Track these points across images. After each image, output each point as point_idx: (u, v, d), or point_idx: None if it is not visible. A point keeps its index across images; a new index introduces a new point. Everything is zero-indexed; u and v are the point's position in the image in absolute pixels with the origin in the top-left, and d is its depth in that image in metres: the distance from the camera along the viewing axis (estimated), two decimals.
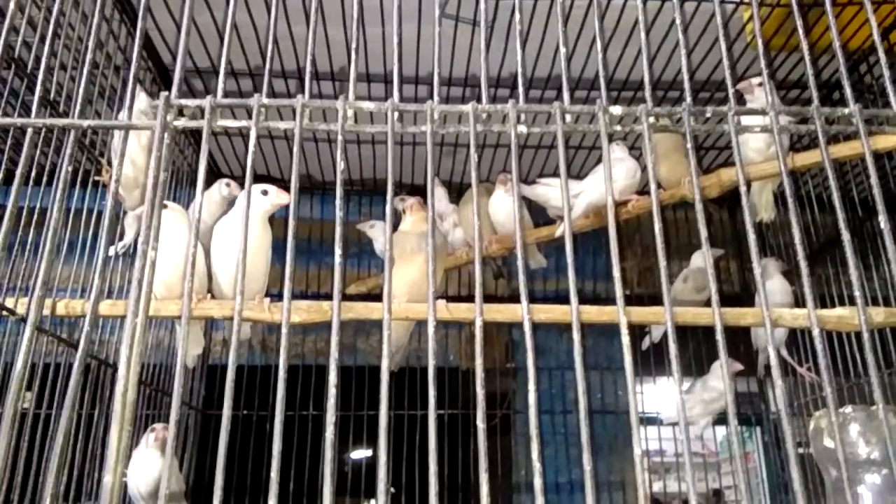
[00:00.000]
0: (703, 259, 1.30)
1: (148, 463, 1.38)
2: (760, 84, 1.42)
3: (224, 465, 0.45)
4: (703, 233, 0.52)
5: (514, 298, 2.21)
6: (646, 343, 1.88)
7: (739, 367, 1.70)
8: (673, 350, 0.51)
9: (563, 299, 1.16)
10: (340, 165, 0.53)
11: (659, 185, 1.56)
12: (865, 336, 0.51)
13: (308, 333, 2.08)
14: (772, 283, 1.69)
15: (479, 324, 0.51)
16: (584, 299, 1.14)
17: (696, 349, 1.93)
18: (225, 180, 1.50)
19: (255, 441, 1.89)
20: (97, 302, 0.52)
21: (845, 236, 0.53)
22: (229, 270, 1.19)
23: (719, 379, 1.70)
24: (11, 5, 0.62)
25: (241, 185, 1.48)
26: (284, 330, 0.49)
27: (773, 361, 0.50)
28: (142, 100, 1.24)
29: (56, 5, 0.68)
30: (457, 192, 1.95)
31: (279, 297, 1.42)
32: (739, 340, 1.84)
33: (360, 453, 3.17)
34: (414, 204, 1.29)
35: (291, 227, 0.52)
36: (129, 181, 1.28)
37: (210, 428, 1.97)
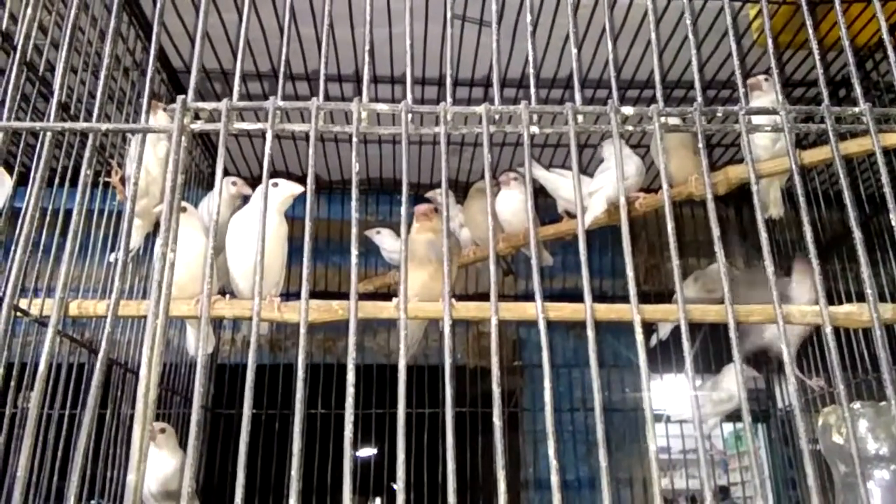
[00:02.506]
0: (717, 266, 1.30)
1: (156, 461, 1.39)
2: (767, 80, 1.43)
3: (245, 464, 0.46)
4: (716, 232, 0.52)
5: (522, 297, 2.22)
6: (653, 341, 1.89)
7: (755, 373, 1.71)
8: (686, 349, 0.52)
9: (569, 297, 1.16)
10: (355, 167, 0.54)
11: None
12: (878, 332, 0.52)
13: (316, 332, 2.09)
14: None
15: (494, 322, 0.52)
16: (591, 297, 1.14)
17: (702, 346, 1.93)
18: (230, 178, 1.50)
19: (265, 439, 1.90)
20: (116, 306, 0.53)
21: (857, 235, 0.53)
22: (245, 266, 1.20)
23: (732, 381, 1.71)
24: (29, 11, 0.63)
25: (249, 184, 1.48)
26: (303, 330, 0.50)
27: (787, 359, 0.50)
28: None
29: (72, 12, 0.68)
30: (463, 192, 1.95)
31: (289, 296, 1.43)
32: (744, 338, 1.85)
33: (366, 451, 3.19)
34: (425, 212, 1.27)
35: (308, 229, 0.53)
36: (139, 189, 1.28)
37: (219, 426, 1.98)
